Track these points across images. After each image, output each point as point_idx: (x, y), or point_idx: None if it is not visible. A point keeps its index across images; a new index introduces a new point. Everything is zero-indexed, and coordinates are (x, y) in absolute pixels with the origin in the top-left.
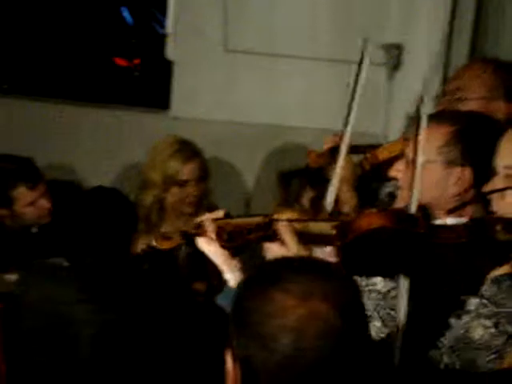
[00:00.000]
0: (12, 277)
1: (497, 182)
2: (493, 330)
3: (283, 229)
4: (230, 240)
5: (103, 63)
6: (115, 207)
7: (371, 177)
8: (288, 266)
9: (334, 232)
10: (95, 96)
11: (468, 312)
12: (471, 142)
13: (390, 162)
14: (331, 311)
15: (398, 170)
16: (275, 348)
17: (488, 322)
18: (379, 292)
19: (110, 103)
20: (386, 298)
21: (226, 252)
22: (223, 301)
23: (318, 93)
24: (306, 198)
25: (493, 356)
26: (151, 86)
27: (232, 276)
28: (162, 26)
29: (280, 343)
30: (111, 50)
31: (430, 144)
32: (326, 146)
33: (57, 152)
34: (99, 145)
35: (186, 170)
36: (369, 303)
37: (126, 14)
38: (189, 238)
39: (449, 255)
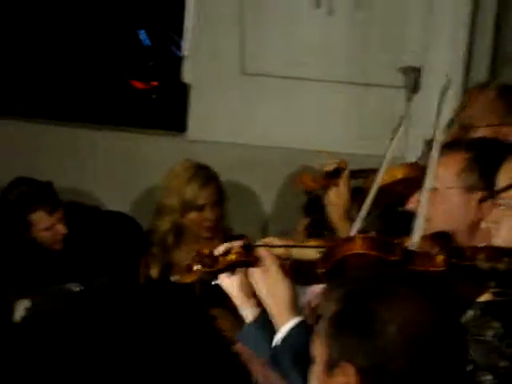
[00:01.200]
0: (25, 302)
1: (494, 214)
2: None
3: (264, 254)
4: (210, 265)
5: (121, 86)
6: (123, 232)
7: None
8: (385, 274)
9: (318, 257)
10: (112, 119)
11: None
12: (488, 166)
13: (392, 186)
14: (438, 320)
15: (416, 201)
16: (411, 352)
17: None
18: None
19: (127, 126)
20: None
21: (248, 286)
22: (245, 340)
23: (334, 116)
24: (301, 226)
25: None
26: (168, 109)
27: (250, 311)
28: (180, 48)
29: (417, 347)
30: (129, 72)
31: (448, 171)
32: (326, 169)
33: (73, 175)
34: (115, 168)
35: (203, 195)
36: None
37: (143, 36)
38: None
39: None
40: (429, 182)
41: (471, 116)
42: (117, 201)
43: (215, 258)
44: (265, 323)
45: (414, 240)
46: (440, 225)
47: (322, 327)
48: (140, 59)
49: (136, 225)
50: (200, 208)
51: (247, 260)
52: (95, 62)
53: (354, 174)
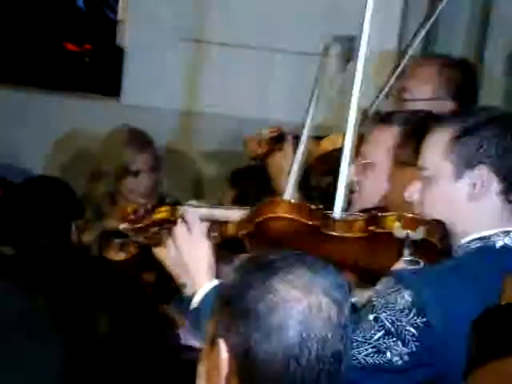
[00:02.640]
0: None
1: (416, 185)
2: (373, 324)
3: (187, 213)
4: (133, 223)
5: (54, 48)
6: (56, 196)
7: (315, 169)
8: (284, 258)
9: (241, 219)
10: (45, 81)
11: (363, 306)
12: (420, 141)
13: (333, 154)
14: (332, 306)
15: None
16: (281, 339)
17: (370, 316)
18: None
19: (60, 89)
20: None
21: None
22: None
23: (273, 84)
24: (227, 200)
25: (370, 350)
26: (103, 73)
27: (191, 282)
28: (115, 12)
29: (286, 334)
30: (62, 34)
31: (381, 145)
32: (270, 134)
33: (3, 137)
34: (48, 131)
35: (140, 161)
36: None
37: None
38: (146, 249)
39: (347, 248)
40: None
41: (407, 87)
42: (50, 164)
43: (140, 216)
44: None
45: (336, 210)
46: (372, 198)
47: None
48: (74, 22)
49: (68, 189)
50: (135, 173)
51: (171, 219)
52: (29, 24)
53: (296, 138)
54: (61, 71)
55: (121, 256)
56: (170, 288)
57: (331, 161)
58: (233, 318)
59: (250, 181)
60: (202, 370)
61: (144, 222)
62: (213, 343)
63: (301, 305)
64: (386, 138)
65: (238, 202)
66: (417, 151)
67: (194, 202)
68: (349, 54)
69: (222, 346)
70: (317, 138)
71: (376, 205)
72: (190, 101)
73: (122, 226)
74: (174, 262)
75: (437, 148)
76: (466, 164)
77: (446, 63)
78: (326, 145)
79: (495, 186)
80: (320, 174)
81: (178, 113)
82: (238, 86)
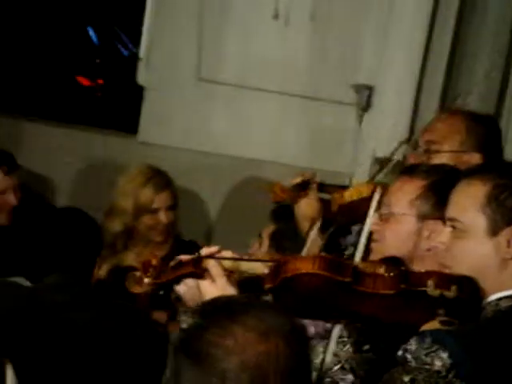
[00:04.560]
0: None
1: (443, 235)
2: None
3: (211, 266)
4: (157, 276)
5: (67, 81)
6: (81, 229)
7: (335, 218)
8: (243, 302)
9: (266, 272)
10: (59, 115)
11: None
12: (444, 196)
13: (358, 204)
14: (287, 350)
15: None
16: (235, 382)
17: (406, 377)
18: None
19: (75, 123)
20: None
21: None
22: None
23: (287, 128)
24: (267, 232)
25: None
26: (117, 109)
27: None
28: (127, 48)
29: (240, 379)
30: (75, 68)
31: (403, 197)
32: (294, 181)
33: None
34: (64, 165)
35: (159, 199)
36: (342, 354)
37: (91, 33)
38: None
39: (376, 304)
40: (373, 208)
41: (432, 140)
42: (65, 199)
43: (164, 269)
44: None
45: (356, 260)
46: (391, 249)
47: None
48: (87, 56)
49: (93, 223)
50: (154, 211)
51: (196, 272)
52: (43, 57)
53: (321, 188)
54: (73, 105)
55: (140, 289)
56: None
57: (352, 210)
58: (186, 363)
59: (290, 217)
60: None
61: (168, 276)
62: None
63: (256, 350)
64: (408, 190)
65: (275, 237)
66: (438, 204)
67: (220, 252)
68: (367, 102)
69: None
70: (340, 187)
71: (395, 255)
72: (205, 141)
73: (146, 281)
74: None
75: (471, 201)
76: (505, 221)
77: (472, 117)
78: (350, 194)
79: None
80: (341, 224)
81: (194, 152)
82: (252, 127)
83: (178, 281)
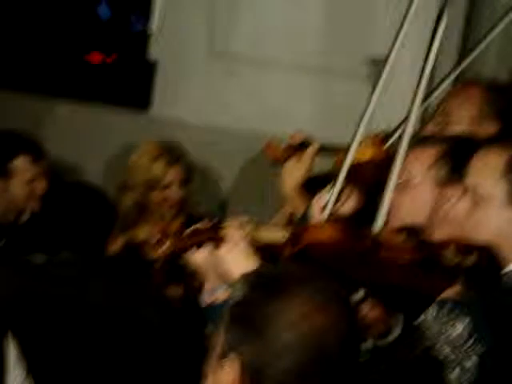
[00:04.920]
0: None
1: (462, 203)
2: (430, 351)
3: (231, 232)
4: (175, 243)
5: (78, 59)
6: (93, 205)
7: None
8: (294, 272)
9: (284, 241)
10: (71, 91)
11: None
12: (460, 162)
13: (360, 168)
14: (345, 318)
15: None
16: (295, 357)
17: (427, 343)
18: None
19: (87, 99)
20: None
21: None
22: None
23: (300, 100)
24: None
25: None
26: (129, 84)
27: (223, 289)
28: (139, 22)
29: (301, 353)
30: (86, 45)
31: (418, 165)
32: (292, 141)
33: None
34: (76, 141)
35: (170, 174)
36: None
37: (103, 9)
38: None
39: (395, 273)
40: (394, 176)
41: (448, 111)
42: (77, 175)
43: (182, 236)
44: None
45: (376, 229)
46: (408, 219)
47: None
48: (98, 33)
49: (106, 199)
50: (165, 186)
51: (214, 238)
52: (54, 34)
53: (323, 149)
54: (85, 82)
55: (155, 256)
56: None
57: (356, 175)
58: (247, 336)
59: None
60: None
61: (186, 243)
62: (221, 359)
63: (314, 323)
64: (424, 158)
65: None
66: (454, 170)
67: (237, 219)
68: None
69: (233, 363)
70: (342, 150)
71: (413, 224)
72: (217, 115)
73: (166, 246)
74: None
75: (491, 169)
76: None
77: (489, 86)
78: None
79: None
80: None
81: (206, 127)
82: (265, 101)
83: (195, 248)
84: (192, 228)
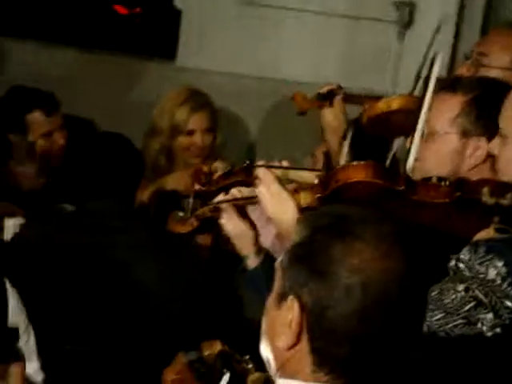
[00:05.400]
0: (16, 221)
1: (493, 145)
2: (463, 294)
3: (264, 173)
4: (210, 184)
5: (104, 10)
6: (121, 153)
7: (367, 129)
8: (359, 213)
9: (316, 182)
10: (97, 43)
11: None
12: (486, 110)
13: (388, 116)
14: (409, 265)
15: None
16: (358, 299)
17: (460, 286)
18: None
19: (114, 50)
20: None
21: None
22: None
23: (328, 48)
24: (320, 151)
25: (460, 321)
26: (156, 35)
27: (253, 256)
28: None
29: (364, 295)
30: None
31: (444, 115)
32: (320, 90)
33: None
34: (104, 92)
35: (193, 120)
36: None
37: None
38: (207, 223)
39: (429, 214)
40: (421, 124)
41: (485, 53)
42: (106, 126)
43: (215, 178)
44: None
45: (408, 169)
46: (433, 169)
47: (283, 256)
48: None
49: (134, 148)
50: (189, 133)
51: (247, 180)
52: None
53: (349, 98)
54: (112, 33)
55: (183, 228)
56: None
57: (382, 123)
58: (308, 277)
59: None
60: (266, 327)
61: (220, 184)
62: (281, 300)
63: (378, 268)
64: (449, 107)
65: (328, 156)
66: (481, 120)
67: (267, 163)
68: (409, 19)
69: (295, 304)
70: (372, 98)
71: (438, 175)
72: (244, 63)
73: (197, 187)
74: (239, 233)
75: None
76: None
77: None
78: (382, 106)
79: None
80: (368, 134)
81: (233, 75)
82: (292, 49)
83: (227, 189)
84: (226, 169)
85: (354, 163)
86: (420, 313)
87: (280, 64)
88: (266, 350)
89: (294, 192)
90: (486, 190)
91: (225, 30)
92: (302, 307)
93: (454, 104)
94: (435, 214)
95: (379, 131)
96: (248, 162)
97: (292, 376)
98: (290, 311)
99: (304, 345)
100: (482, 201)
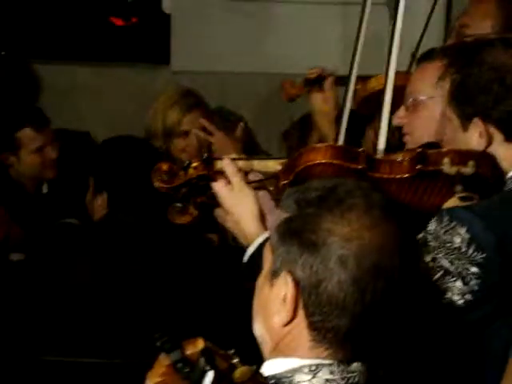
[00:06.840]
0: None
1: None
2: (430, 265)
3: (224, 166)
4: (170, 180)
5: (101, 23)
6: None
7: (361, 110)
8: (346, 185)
9: (279, 169)
10: (95, 55)
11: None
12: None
13: (380, 94)
14: (401, 229)
15: (399, 118)
16: (353, 270)
17: (428, 257)
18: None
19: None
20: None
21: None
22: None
23: (326, 37)
24: (316, 138)
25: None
26: (151, 43)
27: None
28: None
29: (358, 266)
30: (108, 9)
31: (426, 82)
32: (308, 76)
33: (57, 110)
34: (102, 102)
35: (186, 121)
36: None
37: None
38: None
39: (394, 190)
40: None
41: (467, 23)
42: (103, 134)
43: (175, 174)
44: None
45: (380, 148)
46: (425, 137)
47: (272, 234)
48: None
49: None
50: (184, 134)
51: (208, 174)
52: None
53: (340, 81)
54: (109, 45)
55: (184, 219)
56: None
57: (375, 101)
58: (301, 251)
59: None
60: (258, 305)
61: (179, 180)
62: (273, 278)
63: (371, 234)
64: (430, 73)
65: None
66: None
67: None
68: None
69: (288, 279)
70: (363, 78)
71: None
72: (236, 61)
73: (156, 185)
74: (225, 220)
75: None
76: None
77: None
78: (373, 84)
79: None
80: (365, 114)
81: (228, 73)
82: (288, 41)
83: (188, 185)
84: (185, 163)
85: (313, 146)
86: (415, 281)
87: (276, 57)
88: (260, 330)
89: (259, 183)
90: (446, 159)
91: (213, 27)
92: (296, 282)
93: (433, 69)
94: (401, 190)
95: (373, 110)
96: (206, 154)
97: (289, 355)
98: (284, 287)
99: (300, 320)
100: (444, 171)
